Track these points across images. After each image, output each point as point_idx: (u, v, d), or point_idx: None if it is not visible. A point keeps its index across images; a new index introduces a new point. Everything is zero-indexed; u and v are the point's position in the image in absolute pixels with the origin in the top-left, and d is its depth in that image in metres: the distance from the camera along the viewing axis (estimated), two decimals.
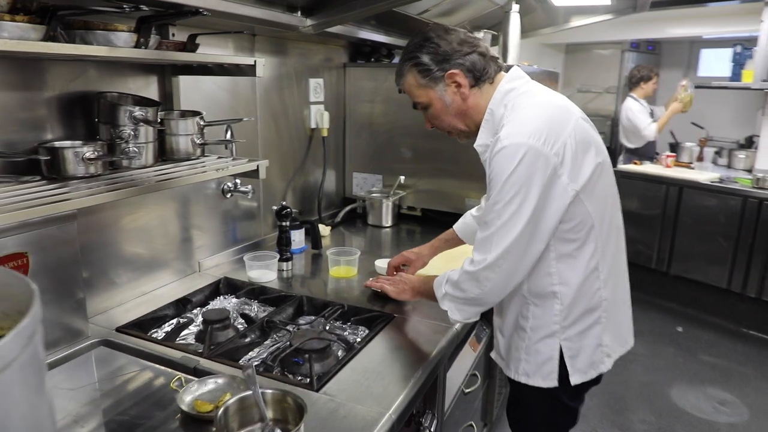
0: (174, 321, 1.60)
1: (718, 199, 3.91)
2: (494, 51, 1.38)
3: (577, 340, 1.34)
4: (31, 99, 1.34)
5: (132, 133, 1.38)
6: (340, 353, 1.40)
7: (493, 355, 1.57)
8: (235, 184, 1.96)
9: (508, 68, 1.40)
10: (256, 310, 1.68)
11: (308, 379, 1.25)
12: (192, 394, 1.13)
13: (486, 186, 1.31)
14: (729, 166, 4.65)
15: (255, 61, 1.51)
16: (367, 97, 2.60)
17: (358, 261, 1.94)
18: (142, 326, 1.50)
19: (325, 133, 2.46)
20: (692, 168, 4.44)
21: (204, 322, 1.50)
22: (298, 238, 2.14)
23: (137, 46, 1.24)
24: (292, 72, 2.28)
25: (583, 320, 1.33)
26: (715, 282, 3.93)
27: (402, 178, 2.51)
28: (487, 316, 1.73)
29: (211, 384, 1.17)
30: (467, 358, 1.86)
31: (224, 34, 1.75)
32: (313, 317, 1.63)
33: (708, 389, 3.12)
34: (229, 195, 1.98)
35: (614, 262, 1.37)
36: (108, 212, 1.57)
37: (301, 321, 1.62)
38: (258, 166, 1.58)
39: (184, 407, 1.10)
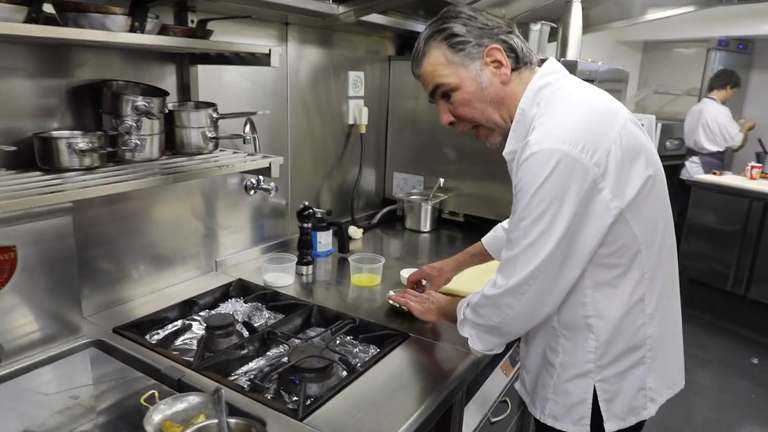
0: (178, 323, 1.51)
1: None
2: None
3: (615, 382, 1.15)
4: (41, 86, 1.28)
5: (134, 124, 1.30)
6: (343, 374, 1.26)
7: (517, 386, 1.39)
8: (258, 181, 1.85)
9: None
10: (265, 317, 1.57)
11: (296, 405, 1.11)
12: (161, 414, 1.03)
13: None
14: None
15: (270, 50, 1.39)
16: (411, 93, 2.44)
17: (382, 269, 1.80)
18: (141, 327, 1.42)
19: (363, 130, 2.32)
20: None
21: (206, 327, 1.40)
22: (324, 240, 2.02)
23: (132, 30, 1.15)
24: (329, 64, 2.16)
25: (623, 359, 1.14)
26: None
27: (442, 180, 2.33)
28: None
29: (185, 402, 1.06)
30: (497, 382, 1.67)
31: (238, 18, 1.63)
32: (322, 329, 1.50)
33: None
34: (252, 192, 1.89)
35: (664, 293, 1.17)
36: (123, 204, 1.50)
37: (309, 333, 1.50)
38: (270, 163, 1.47)
39: (150, 429, 0.99)
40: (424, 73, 1.19)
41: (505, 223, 1.62)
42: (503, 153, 1.19)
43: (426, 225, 2.41)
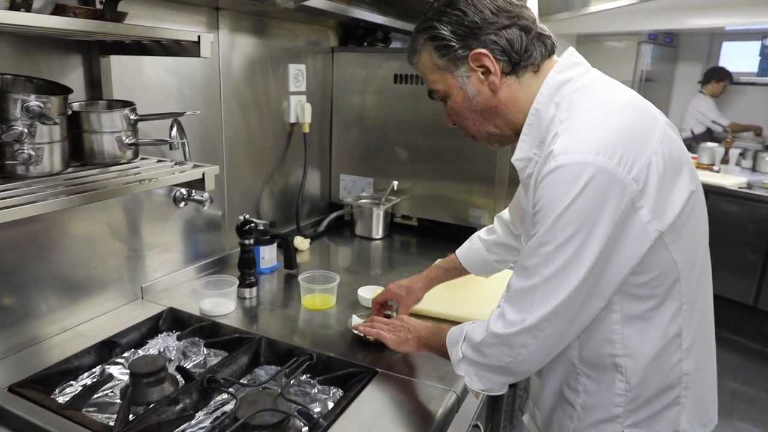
0: (96, 370, 1.25)
1: (746, 207, 3.55)
2: (542, 25, 1.00)
3: (645, 425, 1.00)
4: None
5: (26, 130, 1.02)
6: (304, 430, 1.05)
7: (526, 420, 1.25)
8: (189, 191, 1.60)
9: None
10: (203, 355, 1.33)
11: None
12: None
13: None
14: (754, 170, 4.28)
15: (199, 37, 1.15)
16: (357, 88, 2.23)
17: (337, 288, 1.59)
18: (46, 382, 1.15)
19: (306, 129, 2.09)
20: (716, 171, 4.08)
21: (131, 375, 1.15)
22: (268, 255, 1.79)
23: (12, 7, 0.88)
24: (267, 56, 1.92)
25: (655, 401, 0.99)
26: (740, 298, 3.59)
27: (395, 183, 2.14)
28: None
29: None
30: (469, 407, 1.51)
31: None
32: (274, 368, 1.28)
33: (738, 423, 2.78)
34: (182, 204, 1.63)
35: (701, 323, 1.02)
36: (23, 227, 1.21)
37: (258, 375, 1.27)
38: (204, 174, 1.22)
39: None
40: (419, 72, 1.07)
41: (483, 233, 1.46)
42: (512, 159, 1.03)
43: (378, 231, 2.21)
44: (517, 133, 1.02)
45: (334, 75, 2.27)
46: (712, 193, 3.68)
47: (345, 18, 2.14)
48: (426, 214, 2.24)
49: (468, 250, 1.45)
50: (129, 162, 1.25)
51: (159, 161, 1.31)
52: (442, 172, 2.13)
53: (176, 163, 1.29)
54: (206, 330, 1.39)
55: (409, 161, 2.19)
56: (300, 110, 2.07)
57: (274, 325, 1.46)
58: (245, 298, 1.59)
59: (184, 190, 1.60)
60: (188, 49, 1.18)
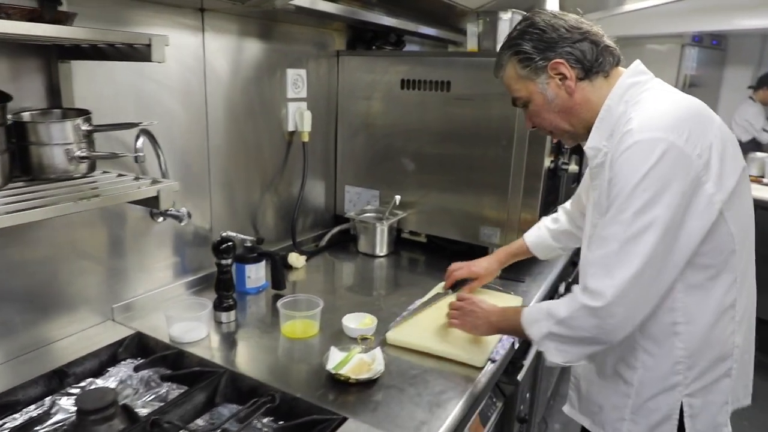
0: (46, 402, 1.14)
1: None
2: (610, 41, 1.17)
3: (701, 395, 1.11)
4: None
5: None
6: None
7: (566, 410, 1.35)
8: None
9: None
10: (164, 390, 1.21)
11: None
12: None
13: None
14: None
15: (150, 40, 1.03)
16: (363, 93, 2.09)
17: (320, 315, 1.45)
18: None
19: (305, 138, 1.97)
20: (766, 184, 3.77)
21: (77, 411, 1.03)
22: (254, 274, 1.66)
23: None
24: (261, 60, 1.80)
25: (711, 372, 1.10)
26: None
27: (398, 198, 1.99)
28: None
29: None
30: None
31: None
32: (235, 407, 1.14)
33: None
34: (160, 219, 1.52)
35: (749, 300, 1.15)
36: None
37: (218, 414, 1.14)
38: (159, 191, 1.10)
39: None
40: (504, 83, 1.23)
41: (549, 222, 1.63)
42: (585, 147, 1.18)
43: (382, 248, 2.06)
44: (588, 131, 1.16)
45: (339, 80, 2.14)
46: (760, 208, 3.39)
47: (352, 21, 2.01)
48: (434, 231, 2.07)
49: (537, 237, 1.62)
50: (84, 176, 1.15)
51: (120, 175, 1.20)
52: (452, 184, 1.97)
53: (136, 178, 1.18)
54: (170, 360, 1.28)
55: (416, 172, 2.04)
56: (299, 118, 1.94)
57: (246, 356, 1.33)
58: (222, 322, 1.47)
59: None
60: (142, 52, 1.06)
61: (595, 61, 1.13)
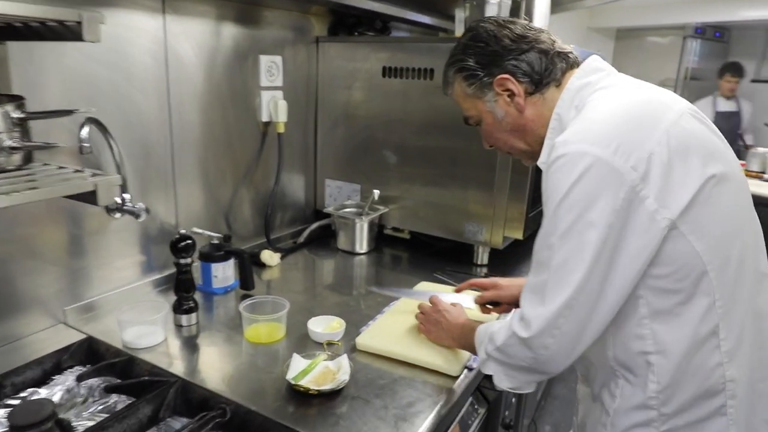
0: None
1: None
2: (562, 43, 1.08)
3: None
4: None
5: None
6: None
7: None
8: (123, 200, 1.38)
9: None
10: (114, 399, 1.11)
11: None
12: None
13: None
14: None
15: (81, 17, 0.92)
16: (344, 82, 1.99)
17: (286, 318, 1.35)
18: None
19: (281, 129, 1.86)
20: (766, 180, 3.66)
21: (10, 427, 0.94)
22: (221, 273, 1.56)
23: None
24: (231, 46, 1.69)
25: (695, 408, 0.93)
26: None
27: (377, 193, 1.88)
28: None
29: None
30: None
31: None
32: (186, 420, 1.04)
33: None
34: (117, 214, 1.41)
35: (750, 327, 0.95)
36: None
37: (169, 426, 1.04)
38: (97, 185, 1.00)
39: None
40: (454, 101, 1.17)
41: None
42: (538, 163, 1.07)
43: (362, 245, 1.96)
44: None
45: (318, 68, 2.03)
46: (761, 205, 3.28)
47: (333, 4, 1.91)
48: (417, 227, 1.97)
49: None
50: (19, 168, 1.04)
51: (60, 168, 1.10)
52: (436, 178, 1.86)
53: (76, 171, 1.08)
54: (118, 368, 1.18)
55: (399, 165, 1.94)
56: (273, 108, 1.84)
57: (204, 363, 1.23)
58: (182, 326, 1.37)
59: (117, 199, 1.39)
60: (75, 32, 0.95)
61: (545, 72, 1.03)
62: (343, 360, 1.17)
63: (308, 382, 1.11)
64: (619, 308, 0.90)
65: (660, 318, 0.91)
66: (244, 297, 1.56)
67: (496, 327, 1.03)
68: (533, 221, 1.81)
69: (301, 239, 2.03)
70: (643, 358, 0.93)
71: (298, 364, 1.16)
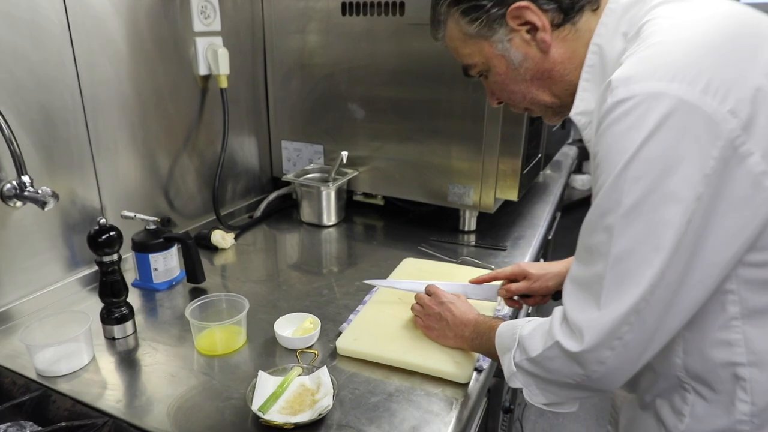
0: None
1: None
2: None
3: None
4: None
5: None
6: None
7: None
8: (22, 185, 1.06)
9: None
10: None
11: None
12: None
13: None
14: None
15: None
16: (295, 26, 1.67)
17: (245, 320, 1.08)
18: None
19: (224, 83, 1.54)
20: None
21: None
22: (162, 265, 1.28)
23: None
24: None
25: None
26: None
27: (345, 154, 1.60)
28: None
29: None
30: None
31: None
32: None
33: None
34: (16, 203, 1.10)
35: None
36: None
37: None
38: None
39: None
40: (450, 48, 0.89)
41: None
42: (571, 114, 0.80)
43: (330, 216, 1.69)
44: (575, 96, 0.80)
45: (264, 9, 1.70)
46: None
47: None
48: (393, 191, 1.71)
49: None
50: None
51: None
52: (412, 133, 1.59)
53: None
54: (28, 407, 0.90)
55: (367, 121, 1.65)
56: (212, 58, 1.51)
57: (143, 390, 0.96)
58: (114, 338, 1.09)
59: (15, 183, 1.08)
60: None
61: None
62: (323, 375, 0.92)
63: (281, 411, 0.86)
64: (699, 306, 0.67)
65: (756, 320, 0.68)
66: (194, 292, 1.29)
67: (527, 330, 0.80)
68: (528, 178, 1.57)
69: (258, 213, 1.74)
70: (730, 371, 0.70)
71: (265, 385, 0.91)
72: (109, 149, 1.30)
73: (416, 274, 1.31)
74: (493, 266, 1.40)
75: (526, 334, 0.78)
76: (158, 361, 1.03)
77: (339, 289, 1.30)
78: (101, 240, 1.03)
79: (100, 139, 1.27)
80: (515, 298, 1.13)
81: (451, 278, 1.28)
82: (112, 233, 1.04)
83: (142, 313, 1.20)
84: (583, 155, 3.80)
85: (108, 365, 1.02)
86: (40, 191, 1.06)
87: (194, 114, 1.54)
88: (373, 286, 1.27)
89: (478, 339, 0.94)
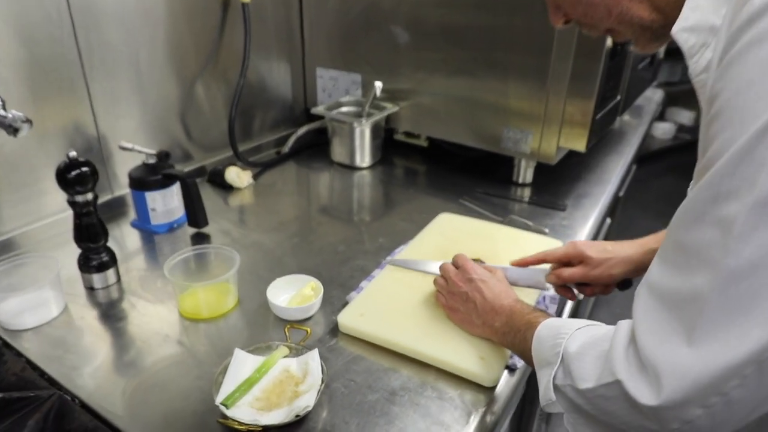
0: None
1: None
2: None
3: None
4: None
5: None
6: None
7: None
8: None
9: None
10: None
11: None
12: None
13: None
14: None
15: None
16: None
17: (236, 278, 0.92)
18: None
19: None
20: None
21: None
22: (161, 205, 1.13)
23: None
24: None
25: None
26: None
27: (379, 85, 1.37)
28: None
29: None
30: None
31: None
32: None
33: None
34: None
35: None
36: None
37: None
38: None
39: None
40: None
41: None
42: (674, 31, 0.54)
43: (364, 157, 1.48)
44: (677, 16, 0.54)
45: None
46: None
47: None
48: (438, 132, 1.47)
49: None
50: None
51: None
52: (464, 64, 1.33)
53: None
54: None
55: (412, 48, 1.40)
56: None
57: (107, 359, 0.82)
58: (94, 288, 0.96)
59: None
60: None
61: None
62: (312, 360, 0.75)
63: (252, 405, 0.69)
64: None
65: None
66: (197, 238, 1.14)
67: (575, 345, 0.57)
68: (601, 126, 1.29)
69: (286, 149, 1.56)
70: None
71: (241, 367, 0.74)
72: (106, 70, 1.13)
73: (450, 234, 1.10)
74: (547, 230, 1.17)
75: (574, 353, 0.56)
76: (133, 322, 0.89)
77: (357, 246, 1.11)
78: (71, 177, 0.87)
79: (95, 60, 1.10)
80: (569, 286, 0.90)
81: (492, 242, 1.06)
82: (84, 169, 0.88)
83: (135, 257, 1.07)
84: (671, 100, 3.35)
85: (79, 320, 0.89)
86: (9, 115, 0.90)
87: (214, 32, 1.34)
88: (397, 246, 1.07)
89: (510, 334, 0.73)
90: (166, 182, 1.11)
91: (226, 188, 1.35)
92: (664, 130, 3.97)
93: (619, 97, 1.39)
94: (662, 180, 3.93)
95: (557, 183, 1.39)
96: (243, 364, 0.75)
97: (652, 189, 3.65)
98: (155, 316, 0.90)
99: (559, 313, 0.93)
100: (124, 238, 1.14)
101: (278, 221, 1.21)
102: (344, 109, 1.51)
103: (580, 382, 0.53)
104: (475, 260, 0.89)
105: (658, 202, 3.57)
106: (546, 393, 0.60)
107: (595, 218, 1.25)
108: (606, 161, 1.53)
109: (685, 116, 4.07)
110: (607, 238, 1.45)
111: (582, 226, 1.20)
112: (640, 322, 0.48)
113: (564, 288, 0.89)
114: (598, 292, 0.89)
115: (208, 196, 1.31)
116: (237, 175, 1.33)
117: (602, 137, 1.63)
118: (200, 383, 0.75)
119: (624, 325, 0.52)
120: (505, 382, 0.76)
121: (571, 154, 1.40)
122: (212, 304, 0.89)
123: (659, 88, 2.31)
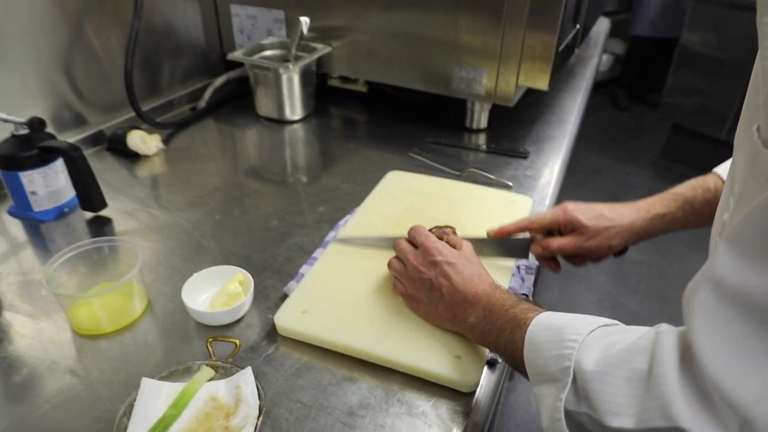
0: None
1: None
2: None
3: None
4: None
5: None
6: None
7: None
8: None
9: None
10: None
11: None
12: None
13: None
14: None
15: None
16: None
17: (141, 278, 0.73)
18: None
19: None
20: None
21: None
22: (43, 187, 0.90)
23: None
24: None
25: None
26: None
27: (305, 21, 1.15)
28: None
29: None
30: None
31: None
32: None
33: None
34: None
35: None
36: None
37: None
38: None
39: None
40: None
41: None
42: None
43: (294, 108, 1.28)
44: None
45: None
46: None
47: None
48: (379, 75, 1.28)
49: None
50: None
51: None
52: None
53: None
54: None
55: None
56: None
57: None
58: None
59: None
60: None
61: None
62: (245, 383, 0.58)
63: None
64: None
65: None
66: (94, 223, 0.93)
67: (592, 359, 0.43)
68: (562, 59, 1.14)
69: (202, 104, 1.33)
70: None
71: (152, 402, 0.57)
72: None
73: (402, 197, 0.94)
74: (510, 183, 1.02)
75: (593, 371, 0.42)
76: (9, 346, 0.69)
77: (294, 218, 0.93)
78: None
79: None
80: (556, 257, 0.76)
81: (452, 204, 0.91)
82: None
83: (14, 256, 0.85)
84: (616, 30, 3.26)
85: None
86: None
87: None
88: (341, 217, 0.90)
89: (492, 333, 0.58)
90: (45, 158, 0.89)
91: (131, 157, 1.12)
92: (602, 62, 3.90)
93: (578, 26, 1.24)
94: (602, 113, 3.89)
95: (515, 127, 1.24)
96: (155, 396, 0.58)
97: (593, 122, 3.61)
98: (39, 337, 0.70)
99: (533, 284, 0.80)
100: (2, 229, 0.91)
101: (196, 194, 1.01)
102: (267, 53, 1.29)
103: (609, 417, 0.40)
104: (442, 228, 0.74)
105: (600, 135, 3.53)
106: (552, 418, 0.46)
107: (560, 165, 1.11)
108: (563, 98, 1.40)
109: (619, 47, 4.00)
110: None
111: (548, 176, 1.07)
112: (707, 339, 0.34)
113: (551, 260, 0.76)
114: (589, 262, 0.76)
115: (110, 168, 1.08)
116: (142, 140, 1.11)
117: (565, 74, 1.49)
118: (99, 427, 0.58)
119: (669, 334, 0.38)
120: (486, 382, 0.63)
121: (527, 94, 1.25)
122: (114, 312, 0.70)
123: (607, 16, 2.18)
